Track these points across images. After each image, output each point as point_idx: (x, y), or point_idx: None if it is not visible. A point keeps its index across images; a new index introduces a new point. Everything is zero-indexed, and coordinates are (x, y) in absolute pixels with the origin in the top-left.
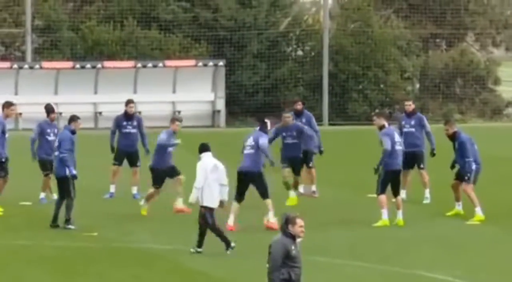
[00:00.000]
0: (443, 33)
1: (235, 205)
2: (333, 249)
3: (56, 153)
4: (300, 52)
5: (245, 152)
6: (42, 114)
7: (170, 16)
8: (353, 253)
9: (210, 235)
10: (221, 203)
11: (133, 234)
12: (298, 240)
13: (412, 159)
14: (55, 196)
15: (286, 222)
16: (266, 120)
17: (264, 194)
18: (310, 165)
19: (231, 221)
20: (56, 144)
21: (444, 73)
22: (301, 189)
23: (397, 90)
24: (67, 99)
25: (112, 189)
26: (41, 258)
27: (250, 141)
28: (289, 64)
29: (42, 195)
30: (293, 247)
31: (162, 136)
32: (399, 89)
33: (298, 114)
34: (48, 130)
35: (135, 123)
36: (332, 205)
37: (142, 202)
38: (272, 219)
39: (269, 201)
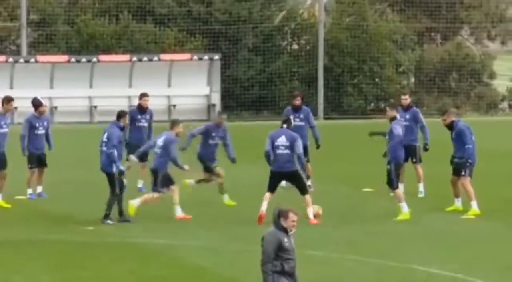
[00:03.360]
0: (438, 27)
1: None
2: (330, 243)
3: (104, 148)
4: (295, 46)
5: (279, 152)
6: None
7: (165, 10)
8: (350, 247)
9: (207, 229)
10: None
11: (129, 228)
12: (291, 232)
13: (406, 153)
14: (30, 191)
15: (279, 215)
16: (290, 117)
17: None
18: (306, 159)
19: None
20: (105, 139)
21: (439, 67)
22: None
23: (392, 84)
24: (63, 93)
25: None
26: (38, 252)
27: (283, 140)
28: (284, 58)
29: (30, 191)
30: (285, 239)
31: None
32: (394, 83)
33: (296, 109)
34: (37, 125)
35: (148, 117)
36: (328, 199)
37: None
38: (311, 215)
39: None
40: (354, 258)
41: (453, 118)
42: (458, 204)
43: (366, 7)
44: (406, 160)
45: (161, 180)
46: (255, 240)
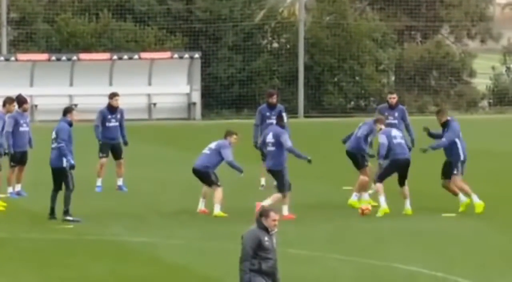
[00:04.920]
0: (418, 25)
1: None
2: (311, 241)
3: (53, 145)
4: (275, 45)
5: (268, 148)
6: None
7: (145, 8)
8: (331, 245)
9: (188, 228)
10: None
11: (108, 226)
12: (273, 231)
13: None
14: (10, 189)
15: (261, 214)
16: (283, 113)
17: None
18: None
19: (285, 211)
20: (53, 135)
21: (419, 65)
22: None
23: (372, 83)
24: (43, 92)
25: (100, 182)
26: (17, 251)
27: (270, 137)
28: (264, 57)
29: (10, 189)
30: (266, 238)
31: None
32: (375, 82)
33: (272, 107)
34: (21, 121)
35: (118, 116)
36: (308, 198)
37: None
38: (285, 212)
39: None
40: (335, 256)
41: (448, 118)
42: (463, 199)
43: (346, 5)
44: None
45: (206, 178)
46: (236, 238)
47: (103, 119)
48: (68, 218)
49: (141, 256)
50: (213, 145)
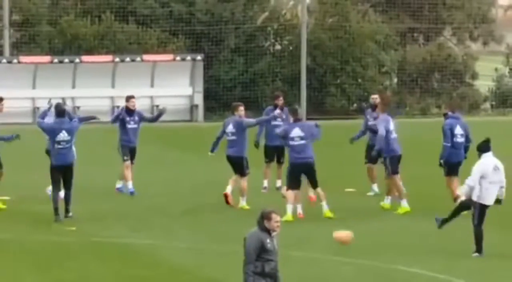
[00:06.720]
0: (421, 27)
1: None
2: (312, 243)
3: (69, 144)
4: (278, 47)
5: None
6: (20, 109)
7: (148, 10)
8: (332, 247)
9: (191, 230)
10: None
11: (112, 228)
12: (274, 233)
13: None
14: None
15: (262, 217)
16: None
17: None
18: (282, 161)
19: (299, 209)
20: (67, 137)
21: (422, 67)
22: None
23: (374, 85)
24: (45, 94)
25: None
26: (21, 252)
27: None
28: (267, 59)
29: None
30: (268, 241)
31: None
32: (377, 84)
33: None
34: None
35: (136, 118)
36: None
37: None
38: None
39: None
40: (337, 258)
41: (447, 111)
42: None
43: (349, 7)
44: (376, 161)
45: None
46: (239, 240)
47: (122, 121)
48: (71, 215)
49: (144, 258)
50: (230, 128)
